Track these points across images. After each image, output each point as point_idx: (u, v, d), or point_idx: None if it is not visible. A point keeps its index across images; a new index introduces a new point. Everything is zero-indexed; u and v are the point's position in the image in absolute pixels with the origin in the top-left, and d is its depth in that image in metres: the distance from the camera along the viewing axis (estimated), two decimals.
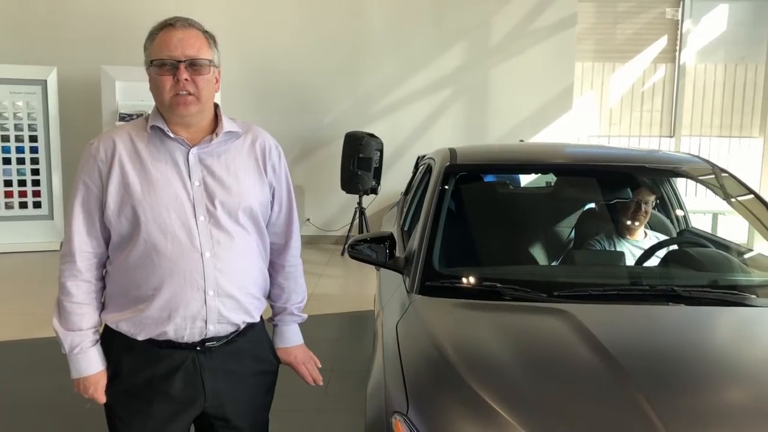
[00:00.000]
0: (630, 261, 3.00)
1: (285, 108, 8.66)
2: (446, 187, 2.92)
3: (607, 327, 2.11)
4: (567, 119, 8.85)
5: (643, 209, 3.21)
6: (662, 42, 9.19)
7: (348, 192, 8.13)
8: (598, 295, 2.36)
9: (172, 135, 1.80)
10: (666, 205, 3.84)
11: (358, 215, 8.08)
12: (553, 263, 2.96)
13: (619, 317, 2.23)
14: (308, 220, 8.80)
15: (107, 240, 1.82)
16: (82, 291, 1.80)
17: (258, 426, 2.02)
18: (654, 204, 3.31)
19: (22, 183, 8.11)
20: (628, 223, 3.20)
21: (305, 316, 2.13)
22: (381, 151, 8.15)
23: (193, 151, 1.82)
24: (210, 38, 1.86)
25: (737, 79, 9.32)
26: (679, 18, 9.14)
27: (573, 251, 2.99)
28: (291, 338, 2.08)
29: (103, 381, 1.84)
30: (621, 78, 9.28)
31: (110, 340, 1.85)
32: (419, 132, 8.73)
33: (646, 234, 3.26)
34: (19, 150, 8.12)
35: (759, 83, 9.26)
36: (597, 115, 9.38)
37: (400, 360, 2.01)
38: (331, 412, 3.64)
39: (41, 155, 8.15)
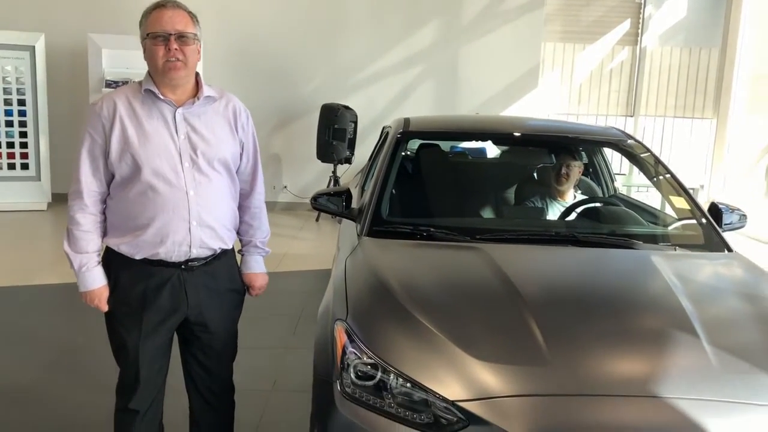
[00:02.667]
0: (553, 216, 3.52)
1: (264, 80, 9.06)
2: (397, 149, 3.41)
3: (512, 261, 2.63)
4: (533, 97, 9.34)
5: (565, 173, 3.71)
6: (626, 25, 9.68)
7: (323, 161, 8.57)
8: (511, 239, 2.89)
9: (162, 97, 2.26)
10: (597, 173, 4.37)
11: (332, 183, 8.54)
12: (485, 216, 3.46)
13: (524, 255, 2.76)
14: (285, 187, 9.26)
15: (108, 181, 2.28)
16: (88, 221, 2.27)
17: (230, 333, 2.51)
18: (579, 169, 3.81)
19: (10, 145, 8.46)
20: (557, 186, 3.71)
21: (269, 250, 2.62)
22: (355, 123, 8.59)
23: (179, 110, 2.28)
24: (194, 17, 2.31)
25: (694, 63, 9.86)
26: (642, 2, 9.62)
27: (502, 206, 3.51)
28: (254, 266, 2.57)
29: (105, 293, 2.31)
30: (586, 59, 9.78)
31: (111, 260, 2.32)
32: (393, 105, 9.18)
33: (575, 197, 3.78)
34: (8, 113, 8.46)
35: (714, 67, 9.81)
36: (562, 93, 9.88)
37: (345, 283, 2.51)
38: (298, 350, 4.17)
39: (29, 119, 8.49)
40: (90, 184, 2.26)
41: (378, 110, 9.12)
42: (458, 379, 1.96)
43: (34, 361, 3.90)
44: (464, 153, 4.52)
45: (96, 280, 2.29)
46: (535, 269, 2.65)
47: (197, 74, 2.38)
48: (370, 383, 2.05)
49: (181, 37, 2.23)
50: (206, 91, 2.34)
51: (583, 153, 4.34)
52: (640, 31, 9.67)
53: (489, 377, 1.95)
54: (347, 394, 2.07)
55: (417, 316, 2.20)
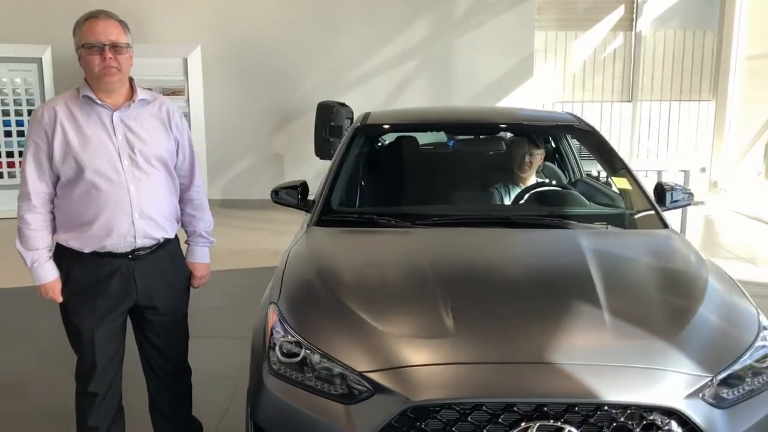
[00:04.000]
0: (507, 202, 3.64)
1: (262, 80, 9.27)
2: (352, 142, 3.57)
3: (439, 244, 2.79)
4: (528, 86, 9.41)
5: (528, 160, 3.82)
6: (620, 11, 9.70)
7: (321, 158, 8.74)
8: (449, 223, 3.04)
9: (99, 101, 2.45)
10: (563, 158, 4.48)
11: None
12: (434, 204, 3.59)
13: (453, 237, 2.91)
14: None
15: (54, 183, 2.47)
16: (37, 220, 2.46)
17: (179, 315, 2.71)
18: (541, 156, 3.91)
19: (21, 154, 8.78)
20: (519, 173, 3.83)
21: (213, 240, 2.81)
22: (351, 120, 8.73)
23: (116, 114, 2.47)
24: (125, 26, 2.48)
25: (690, 46, 9.83)
26: None
27: (453, 194, 3.64)
28: (197, 256, 2.77)
29: (58, 286, 2.51)
30: (582, 46, 9.81)
31: (62, 255, 2.52)
32: (389, 101, 9.33)
33: (537, 182, 3.89)
34: (19, 123, 8.79)
35: (711, 49, 9.77)
36: (559, 81, 9.93)
37: (284, 269, 2.68)
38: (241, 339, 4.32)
39: None
40: (37, 186, 2.45)
41: (374, 106, 9.10)
42: (368, 352, 2.12)
43: (26, 355, 4.14)
44: (413, 140, 4.56)
45: (48, 274, 2.49)
46: (459, 250, 2.79)
47: (131, 79, 2.56)
48: (295, 360, 2.21)
49: (115, 46, 2.41)
50: (140, 94, 2.53)
51: (551, 139, 4.45)
52: (634, 16, 9.68)
53: (395, 350, 2.10)
54: (273, 371, 2.24)
55: (339, 297, 2.36)
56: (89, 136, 2.43)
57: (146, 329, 2.65)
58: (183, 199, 2.71)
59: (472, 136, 4.08)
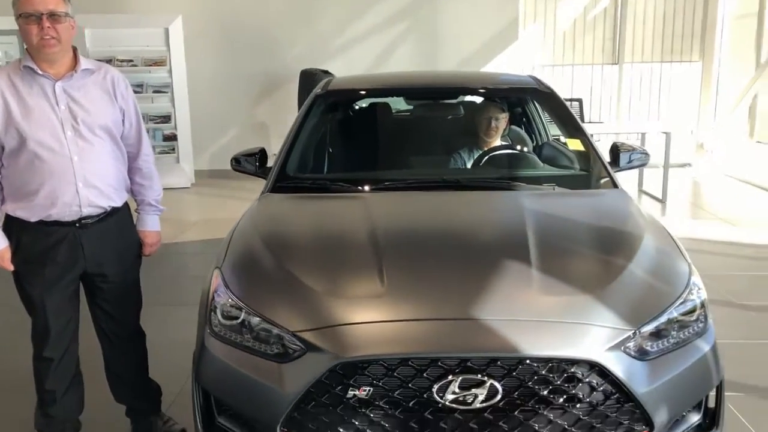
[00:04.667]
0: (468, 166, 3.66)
1: (245, 49, 9.25)
2: (310, 109, 3.59)
3: (385, 207, 2.83)
4: (514, 49, 9.35)
5: (493, 125, 3.84)
6: None
7: None
8: (400, 187, 3.08)
9: (40, 72, 2.46)
10: (530, 122, 4.49)
11: None
12: (393, 170, 3.62)
13: (401, 201, 2.95)
14: (274, 154, 9.47)
15: (0, 154, 2.51)
16: None
17: (130, 282, 2.76)
18: (505, 120, 3.92)
19: None
20: (485, 138, 3.85)
21: (163, 208, 2.85)
22: None
23: (58, 84, 2.49)
24: None
25: (677, 6, 9.73)
26: None
27: (410, 158, 3.66)
28: (147, 224, 2.81)
29: (7, 254, 2.56)
30: (567, 8, 9.73)
31: (11, 224, 2.57)
32: (373, 67, 9.30)
33: (495, 146, 3.91)
34: None
35: (698, 8, 9.68)
36: (544, 44, 9.86)
37: (232, 235, 2.73)
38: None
39: None
40: None
41: (358, 73, 9.23)
42: (303, 313, 2.17)
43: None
44: (384, 109, 4.56)
45: None
46: (404, 213, 2.83)
47: (75, 48, 2.57)
48: (235, 322, 2.26)
49: (53, 15, 2.41)
50: (84, 64, 2.55)
51: (518, 102, 4.45)
52: None
53: (328, 310, 2.15)
54: (214, 333, 2.29)
55: (280, 261, 2.41)
56: (31, 106, 2.46)
57: (97, 296, 2.71)
58: (131, 168, 2.75)
59: (432, 101, 4.09)
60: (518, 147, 3.79)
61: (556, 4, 9.71)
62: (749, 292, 4.62)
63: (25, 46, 2.51)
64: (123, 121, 2.65)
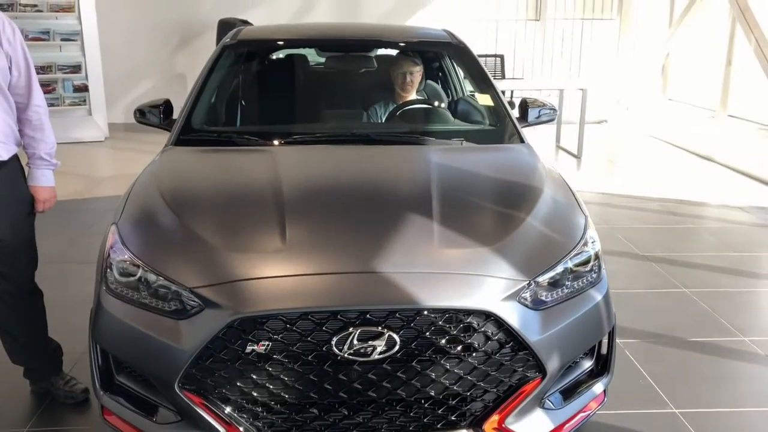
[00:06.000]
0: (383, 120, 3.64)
1: None
2: (218, 60, 3.47)
3: (292, 162, 2.78)
4: (438, 4, 9.30)
5: (408, 79, 3.81)
6: None
7: None
8: (308, 141, 3.04)
9: None
10: (446, 77, 4.48)
11: None
12: (302, 124, 3.56)
13: (307, 155, 2.91)
14: None
15: None
16: None
17: (22, 239, 2.64)
18: (419, 74, 3.90)
19: None
20: (401, 92, 3.82)
21: (57, 162, 2.71)
22: None
23: None
24: None
25: None
26: None
27: (321, 112, 3.61)
28: (39, 179, 2.67)
29: None
30: None
31: None
32: (296, 18, 9.08)
33: (408, 100, 3.89)
34: None
35: None
36: (468, 0, 9.84)
37: (131, 190, 2.64)
38: None
39: None
40: None
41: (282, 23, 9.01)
42: (201, 269, 2.12)
43: None
44: (297, 62, 4.48)
45: None
46: (309, 168, 2.80)
47: None
48: (132, 279, 2.20)
49: None
50: None
51: (436, 57, 4.43)
52: None
53: (226, 265, 2.11)
54: (111, 290, 2.22)
55: (178, 216, 2.35)
56: None
57: None
58: (21, 120, 2.59)
59: (343, 54, 4.02)
60: (430, 102, 3.79)
61: None
62: (652, 244, 4.83)
63: None
64: (10, 68, 2.49)
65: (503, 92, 7.82)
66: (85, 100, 8.56)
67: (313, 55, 4.38)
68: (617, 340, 3.28)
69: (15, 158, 2.59)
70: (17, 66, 2.51)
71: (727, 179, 6.91)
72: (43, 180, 2.67)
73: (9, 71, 2.49)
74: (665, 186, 6.58)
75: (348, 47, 3.97)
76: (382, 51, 4.29)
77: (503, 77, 8.93)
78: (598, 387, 2.39)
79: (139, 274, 2.18)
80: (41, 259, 2.78)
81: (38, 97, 2.60)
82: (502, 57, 8.95)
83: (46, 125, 2.65)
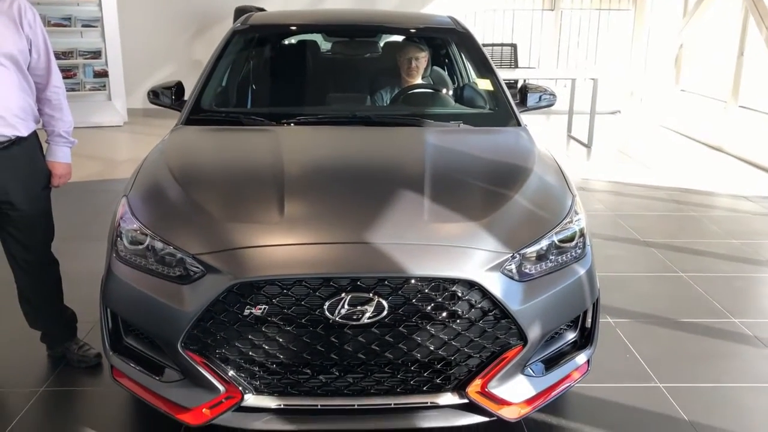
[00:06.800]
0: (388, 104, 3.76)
1: None
2: (228, 43, 3.62)
3: (294, 141, 2.93)
4: None
5: (414, 65, 3.92)
6: None
7: None
8: (312, 122, 3.17)
9: None
10: (452, 63, 4.59)
11: None
12: (308, 106, 3.68)
13: (309, 135, 3.06)
14: None
15: None
16: None
17: (39, 210, 2.79)
18: (425, 60, 4.01)
19: None
20: (407, 78, 3.93)
21: (74, 140, 2.87)
22: None
23: None
24: None
25: None
26: None
27: (327, 95, 3.74)
28: (57, 155, 2.83)
29: None
30: None
31: None
32: (310, 6, 9.19)
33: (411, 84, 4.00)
34: None
35: None
36: None
37: (141, 165, 2.79)
38: None
39: None
40: None
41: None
42: (204, 237, 2.26)
43: None
44: (305, 47, 4.60)
45: None
46: (309, 146, 2.94)
47: None
48: (140, 247, 2.35)
49: None
50: None
51: (442, 43, 4.53)
52: None
53: (227, 234, 2.25)
54: (120, 257, 2.38)
55: (184, 188, 2.49)
56: None
57: (6, 223, 2.74)
58: (40, 99, 2.75)
59: (349, 39, 4.15)
60: (433, 87, 3.90)
61: None
62: (654, 231, 4.92)
63: None
64: (30, 51, 2.64)
65: (515, 81, 7.92)
66: (104, 86, 8.76)
67: (321, 41, 4.50)
68: (609, 320, 3.42)
69: (34, 134, 2.75)
70: (37, 49, 2.67)
71: (735, 169, 6.95)
72: (60, 156, 2.83)
73: (29, 53, 2.64)
74: (673, 175, 6.63)
75: (353, 32, 4.10)
76: (389, 37, 4.40)
77: (516, 66, 8.99)
78: (581, 358, 2.50)
79: (147, 242, 2.32)
80: (61, 236, 2.95)
81: (57, 78, 2.76)
82: (515, 46, 9.00)
83: (64, 105, 2.80)
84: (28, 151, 2.72)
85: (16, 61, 2.59)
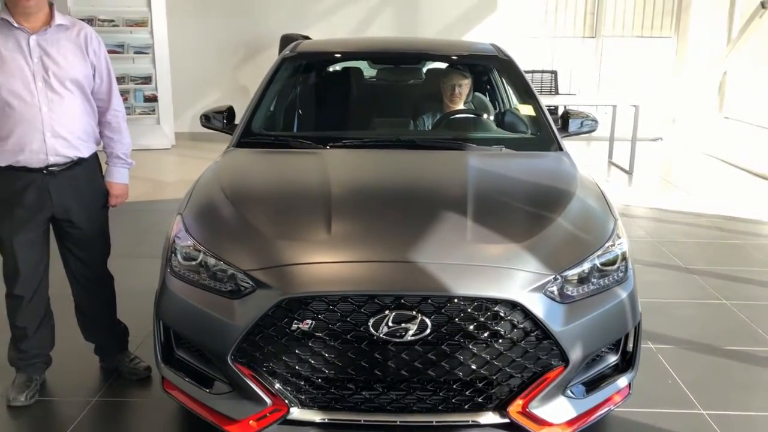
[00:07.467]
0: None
1: (227, 14, 9.31)
2: (278, 69, 3.75)
3: (340, 162, 3.04)
4: (493, 20, 9.47)
5: (457, 91, 4.01)
6: None
7: None
8: (357, 145, 3.27)
9: (16, 25, 2.61)
10: (494, 89, 4.66)
11: None
12: (354, 130, 3.79)
13: (355, 157, 3.15)
14: None
15: None
16: None
17: (97, 228, 2.92)
18: (467, 86, 4.09)
19: None
20: (449, 103, 4.02)
21: (132, 162, 3.01)
22: None
23: (33, 37, 2.64)
24: None
25: None
26: None
27: (372, 119, 3.84)
28: (114, 176, 2.97)
29: None
30: None
31: None
32: (354, 34, 9.39)
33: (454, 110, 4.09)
34: None
35: None
36: (524, 16, 9.98)
37: (195, 185, 2.91)
38: None
39: None
40: None
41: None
42: (254, 254, 2.36)
43: None
44: (351, 73, 4.72)
45: None
46: (357, 167, 3.04)
47: (51, 4, 2.72)
48: (193, 263, 2.45)
49: None
50: (58, 19, 2.69)
51: (484, 70, 4.61)
52: None
53: (277, 251, 2.34)
54: (174, 272, 2.48)
55: (235, 208, 2.60)
56: (5, 57, 2.60)
57: (66, 240, 2.88)
58: (101, 122, 2.90)
59: (393, 66, 4.27)
60: (475, 112, 3.97)
61: None
62: (695, 258, 4.87)
63: (3, 1, 2.66)
64: (94, 76, 2.80)
65: (555, 107, 7.94)
66: (154, 110, 9.06)
67: (366, 68, 4.62)
68: (651, 345, 3.41)
69: (94, 156, 2.90)
70: (100, 74, 2.82)
71: None
72: (118, 177, 2.97)
73: (93, 79, 2.80)
74: (716, 203, 6.56)
75: (398, 60, 4.21)
76: (431, 64, 4.50)
77: (556, 93, 9.02)
78: (622, 381, 2.51)
79: (200, 258, 2.42)
80: (113, 253, 3.07)
81: (117, 102, 2.91)
82: (555, 73, 9.04)
83: (123, 128, 2.95)
84: (88, 172, 2.86)
85: (81, 86, 2.74)
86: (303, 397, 2.30)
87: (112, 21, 8.71)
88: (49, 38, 2.67)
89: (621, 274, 2.48)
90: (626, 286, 2.48)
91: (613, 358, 2.53)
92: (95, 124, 2.87)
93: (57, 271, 2.98)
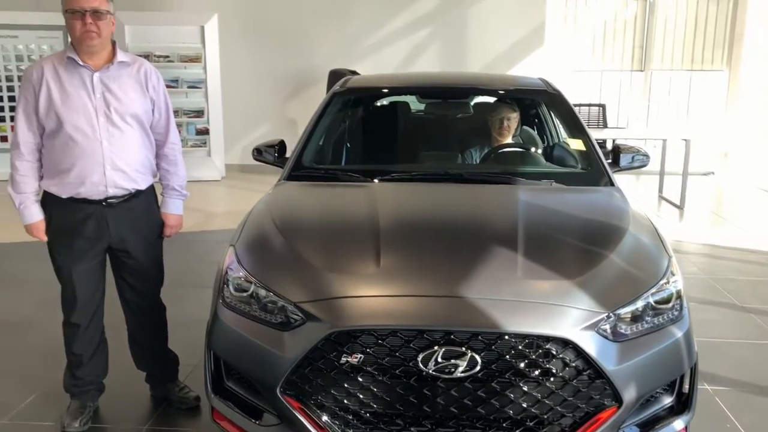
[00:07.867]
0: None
1: (278, 49, 9.55)
2: (329, 104, 3.82)
3: (388, 195, 3.05)
4: (540, 54, 9.48)
5: (505, 125, 4.02)
6: None
7: None
8: (406, 178, 3.29)
9: (81, 63, 2.73)
10: (542, 123, 4.65)
11: None
12: (401, 164, 3.81)
13: (403, 190, 3.17)
14: None
15: (41, 134, 2.77)
16: (25, 167, 2.78)
17: (152, 259, 3.00)
18: (516, 120, 4.09)
19: None
20: (498, 137, 4.03)
21: (187, 194, 3.09)
22: None
23: (96, 74, 2.75)
24: None
25: (705, 14, 9.76)
26: None
27: (422, 153, 3.86)
28: (170, 207, 3.05)
29: (42, 226, 2.82)
30: (594, 14, 9.82)
31: (46, 199, 2.83)
32: (401, 69, 9.50)
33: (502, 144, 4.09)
34: None
35: (725, 17, 9.69)
36: (572, 50, 9.96)
37: (248, 217, 2.96)
38: None
39: None
40: (25, 137, 2.76)
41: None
42: (304, 287, 2.38)
43: (28, 300, 4.52)
44: (399, 108, 4.77)
45: (33, 215, 2.81)
46: (406, 201, 3.05)
47: (114, 42, 2.83)
48: (245, 294, 2.48)
49: (96, 12, 2.68)
50: (120, 57, 2.80)
51: (532, 104, 4.61)
52: None
53: (327, 284, 2.36)
54: (226, 303, 2.52)
55: (287, 240, 2.63)
56: (70, 93, 2.72)
57: (121, 269, 2.96)
58: (159, 155, 2.99)
59: (442, 101, 4.30)
60: (523, 146, 3.96)
61: (584, 10, 9.81)
62: (751, 296, 4.72)
63: (69, 39, 2.78)
64: (153, 111, 2.89)
65: (604, 141, 7.88)
66: (205, 143, 9.29)
67: (414, 102, 4.67)
68: (707, 387, 3.30)
69: (151, 187, 2.98)
70: (159, 109, 2.92)
71: None
72: (173, 208, 3.05)
73: (152, 113, 2.90)
74: None
75: (446, 94, 4.24)
76: (479, 98, 4.52)
77: (605, 126, 8.95)
78: (678, 423, 2.43)
79: (251, 290, 2.45)
80: (165, 283, 3.14)
81: (174, 135, 3.00)
82: (603, 106, 8.99)
83: (179, 160, 3.04)
84: (145, 203, 2.94)
85: (140, 120, 2.84)
86: (351, 431, 2.29)
87: (167, 57, 9.01)
88: (111, 75, 2.78)
89: (676, 313, 2.42)
90: (681, 325, 2.42)
91: (668, 400, 2.46)
92: (152, 156, 2.95)
93: (112, 300, 3.05)
